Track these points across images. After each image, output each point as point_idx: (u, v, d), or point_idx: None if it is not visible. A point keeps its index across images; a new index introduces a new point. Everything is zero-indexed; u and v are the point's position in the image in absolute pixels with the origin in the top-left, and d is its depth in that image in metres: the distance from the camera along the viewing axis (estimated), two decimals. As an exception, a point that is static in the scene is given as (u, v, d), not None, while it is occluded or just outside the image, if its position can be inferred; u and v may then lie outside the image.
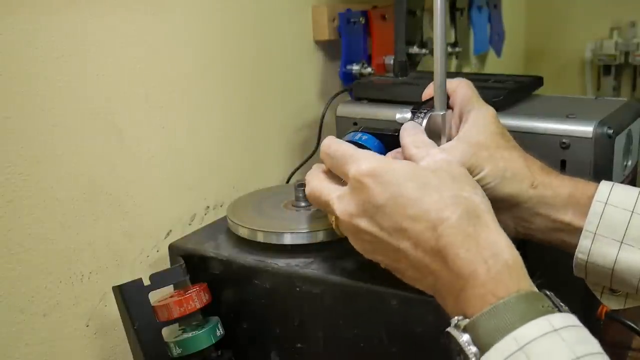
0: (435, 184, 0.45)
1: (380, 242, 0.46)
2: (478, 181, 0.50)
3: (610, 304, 0.54)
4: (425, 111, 0.55)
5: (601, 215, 0.50)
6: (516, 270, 0.41)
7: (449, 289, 0.43)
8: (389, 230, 0.45)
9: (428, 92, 0.58)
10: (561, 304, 0.41)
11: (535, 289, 0.41)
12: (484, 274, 0.41)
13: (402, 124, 0.54)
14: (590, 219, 0.50)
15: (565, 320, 0.38)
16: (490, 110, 0.56)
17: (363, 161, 0.47)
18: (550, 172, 0.54)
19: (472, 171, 0.51)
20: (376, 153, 0.51)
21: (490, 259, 0.41)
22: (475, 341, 0.39)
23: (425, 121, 0.54)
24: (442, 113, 0.54)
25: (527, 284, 0.41)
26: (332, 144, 0.51)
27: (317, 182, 0.52)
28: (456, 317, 0.41)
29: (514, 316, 0.38)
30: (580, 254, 0.51)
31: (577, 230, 0.51)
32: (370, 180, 0.46)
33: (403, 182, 0.45)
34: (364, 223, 0.46)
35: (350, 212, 0.47)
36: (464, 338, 0.40)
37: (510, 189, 0.52)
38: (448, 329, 0.41)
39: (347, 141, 0.55)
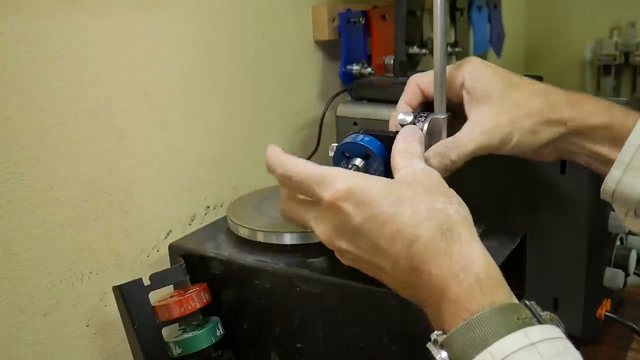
0: (410, 197, 0.44)
1: (361, 260, 0.47)
2: (513, 147, 0.51)
3: (633, 226, 0.55)
4: (426, 114, 0.55)
5: (637, 149, 0.50)
6: (489, 282, 0.40)
7: (429, 304, 0.43)
8: (368, 250, 0.45)
9: (392, 122, 0.57)
10: (540, 314, 0.39)
11: (514, 300, 0.40)
12: (456, 289, 0.40)
13: (402, 125, 0.54)
14: (626, 149, 0.50)
15: (544, 333, 0.37)
16: (484, 68, 0.54)
17: (338, 182, 0.45)
18: (579, 103, 0.53)
19: (502, 145, 0.51)
20: (343, 169, 0.49)
21: (462, 273, 0.41)
22: (452, 358, 0.39)
23: (426, 125, 0.54)
24: (442, 117, 0.54)
25: (503, 296, 0.40)
26: (289, 165, 0.48)
27: (287, 206, 0.51)
28: (435, 333, 0.41)
29: (488, 330, 0.38)
30: (609, 182, 0.52)
31: (611, 162, 0.52)
32: (346, 204, 0.45)
33: (378, 199, 0.44)
34: (344, 244, 0.47)
35: (329, 235, 0.47)
36: (442, 355, 0.39)
37: (544, 136, 0.52)
38: (427, 345, 0.41)
39: (349, 142, 0.53)
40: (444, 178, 0.51)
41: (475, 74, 0.53)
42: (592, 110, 0.52)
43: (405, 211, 0.43)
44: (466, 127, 0.53)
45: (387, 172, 0.53)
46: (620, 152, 0.50)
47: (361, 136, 0.54)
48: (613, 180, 0.51)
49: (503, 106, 0.52)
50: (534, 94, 0.53)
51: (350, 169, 0.53)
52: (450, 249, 0.42)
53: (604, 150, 0.52)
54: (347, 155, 0.54)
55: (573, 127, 0.52)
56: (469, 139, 0.52)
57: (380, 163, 0.53)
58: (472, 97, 0.53)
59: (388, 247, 0.44)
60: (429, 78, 0.56)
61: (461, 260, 0.41)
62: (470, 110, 0.53)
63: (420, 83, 0.57)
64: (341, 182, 0.45)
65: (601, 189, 0.53)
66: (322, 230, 0.48)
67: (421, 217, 0.43)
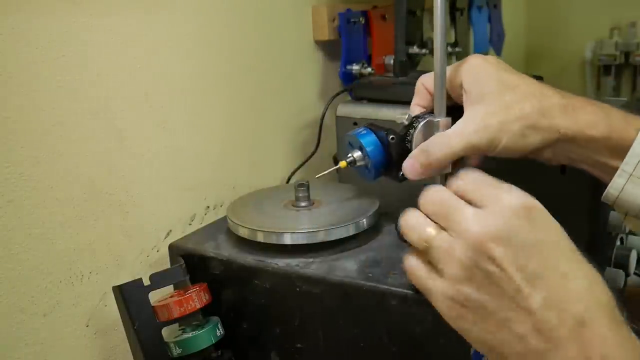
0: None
1: (500, 286, 0.41)
2: (502, 150, 0.50)
3: (632, 226, 0.55)
4: (426, 116, 0.54)
5: None
6: None
7: None
8: (525, 275, 0.40)
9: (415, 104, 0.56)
10: None
11: None
12: None
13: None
14: (628, 159, 0.49)
15: None
16: (483, 67, 0.53)
17: (516, 192, 0.43)
18: (575, 110, 0.50)
19: (490, 147, 0.50)
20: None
21: None
22: None
23: (419, 126, 0.53)
24: (436, 119, 0.53)
25: None
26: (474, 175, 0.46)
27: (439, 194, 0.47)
28: None
29: None
30: (612, 189, 0.51)
31: (611, 169, 0.51)
32: (526, 214, 0.42)
33: (557, 239, 0.42)
34: (499, 251, 0.41)
35: (490, 232, 0.41)
36: None
37: (534, 141, 0.50)
38: None
39: (350, 134, 0.56)
40: (428, 178, 0.52)
41: (473, 74, 0.53)
42: (589, 121, 0.50)
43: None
44: (456, 125, 0.52)
45: (378, 167, 0.55)
46: (623, 162, 0.50)
47: (361, 129, 0.56)
48: (616, 188, 0.50)
49: (495, 108, 0.50)
50: (527, 97, 0.51)
51: (349, 159, 0.57)
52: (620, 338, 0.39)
53: (604, 158, 0.51)
54: (351, 145, 0.57)
55: (568, 135, 0.50)
56: (457, 139, 0.51)
57: (369, 158, 0.55)
58: (468, 97, 0.52)
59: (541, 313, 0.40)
60: (420, 94, 0.56)
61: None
62: (466, 110, 0.52)
63: (425, 83, 0.56)
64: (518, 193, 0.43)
65: (603, 195, 0.52)
66: (483, 224, 0.42)
67: (590, 294, 0.40)
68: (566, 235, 0.43)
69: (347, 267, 0.56)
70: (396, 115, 0.56)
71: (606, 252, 0.73)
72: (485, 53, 1.48)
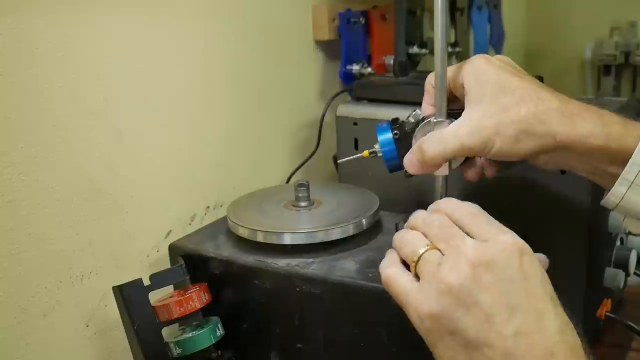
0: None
1: (479, 307, 0.42)
2: (496, 153, 0.50)
3: (631, 227, 0.54)
4: (427, 118, 0.54)
5: None
6: None
7: None
8: (505, 303, 0.42)
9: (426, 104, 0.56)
10: None
11: None
12: None
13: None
14: (629, 168, 0.49)
15: None
16: (485, 68, 0.52)
17: (513, 234, 0.45)
18: (573, 117, 0.49)
19: (484, 150, 0.50)
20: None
21: None
22: None
23: (420, 126, 0.53)
24: (435, 120, 0.53)
25: None
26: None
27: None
28: None
29: None
30: (613, 197, 0.51)
31: (610, 175, 0.50)
32: (518, 255, 0.43)
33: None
34: (487, 277, 0.42)
35: (483, 259, 0.43)
36: None
37: (528, 146, 0.50)
38: None
39: (377, 126, 0.56)
40: (416, 174, 0.53)
41: (474, 75, 0.52)
42: (587, 129, 0.49)
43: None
44: (452, 125, 0.52)
45: (390, 163, 0.55)
46: (623, 170, 0.49)
47: (384, 124, 0.56)
48: (617, 196, 0.50)
49: (491, 110, 0.50)
50: (525, 100, 0.50)
51: (371, 150, 0.57)
52: None
53: (602, 165, 0.50)
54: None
55: (564, 143, 0.49)
56: (451, 138, 0.51)
57: (380, 152, 0.56)
58: (468, 99, 0.52)
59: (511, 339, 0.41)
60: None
61: None
62: (465, 110, 0.52)
63: (431, 82, 0.56)
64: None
65: (603, 200, 0.52)
66: (476, 251, 0.44)
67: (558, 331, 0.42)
68: (549, 281, 0.44)
69: (347, 267, 0.56)
70: (406, 113, 0.56)
71: (606, 252, 0.73)
72: (486, 53, 1.48)
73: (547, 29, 1.93)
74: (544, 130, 0.49)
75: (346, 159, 0.62)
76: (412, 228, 0.50)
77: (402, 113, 0.75)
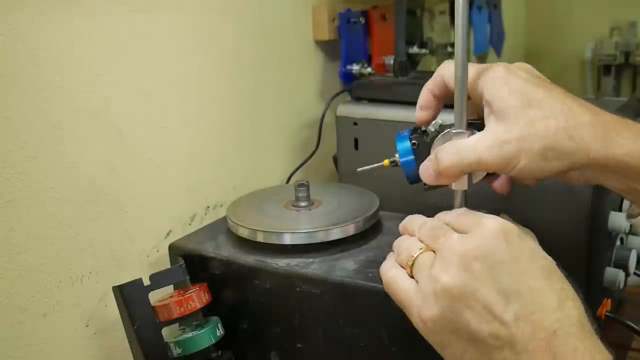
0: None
1: (476, 298, 0.42)
2: (520, 171, 0.46)
3: None
4: (447, 129, 0.51)
5: None
6: None
7: None
8: (499, 289, 0.42)
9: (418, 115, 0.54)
10: None
11: None
12: None
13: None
14: None
15: None
16: (507, 79, 0.48)
17: (496, 218, 0.45)
18: (609, 134, 0.45)
19: (506, 167, 0.46)
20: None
21: None
22: None
23: (438, 137, 0.51)
24: (454, 131, 0.50)
25: None
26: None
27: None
28: None
29: None
30: None
31: None
32: (504, 236, 0.43)
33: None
34: (476, 266, 0.42)
35: (469, 250, 0.43)
36: None
37: (558, 165, 0.45)
38: None
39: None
40: (432, 186, 0.51)
41: (496, 85, 0.48)
42: (624, 147, 0.44)
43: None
44: (472, 137, 0.48)
45: (410, 171, 0.53)
46: None
47: (405, 132, 0.54)
48: None
49: (516, 124, 0.46)
50: (554, 114, 0.45)
51: (391, 159, 0.54)
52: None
53: (636, 185, 0.46)
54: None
55: (598, 161, 0.45)
56: (468, 150, 0.48)
57: (399, 162, 0.53)
58: (490, 110, 0.48)
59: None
60: (434, 81, 0.53)
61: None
62: (487, 123, 0.48)
63: (445, 75, 0.52)
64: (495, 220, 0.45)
65: (628, 211, 0.51)
66: (464, 243, 0.44)
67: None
68: (543, 254, 0.44)
69: (347, 267, 0.56)
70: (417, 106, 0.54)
71: (606, 252, 0.73)
72: (486, 53, 1.48)
73: (547, 29, 1.93)
74: (575, 147, 0.45)
75: (366, 167, 0.58)
76: (409, 234, 0.50)
77: (402, 113, 0.75)
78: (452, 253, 0.43)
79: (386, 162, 0.55)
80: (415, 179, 0.53)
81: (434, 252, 0.46)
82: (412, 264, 0.46)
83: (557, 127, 0.45)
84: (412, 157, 0.53)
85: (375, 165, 0.57)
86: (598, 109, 0.47)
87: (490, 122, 0.48)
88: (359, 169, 0.59)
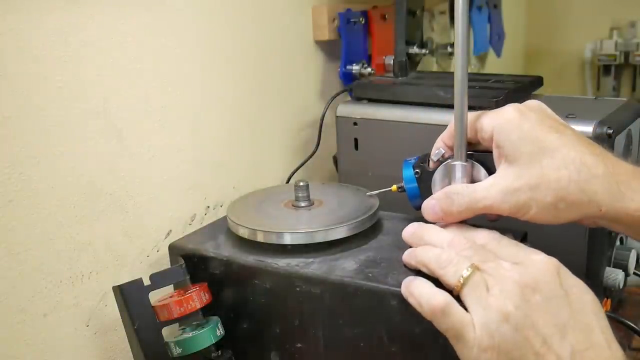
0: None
1: (535, 329, 0.42)
2: (532, 219, 0.47)
3: None
4: (448, 160, 0.53)
5: None
6: None
7: None
8: (556, 323, 0.42)
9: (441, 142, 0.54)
10: None
11: None
12: None
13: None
14: None
15: None
16: (519, 124, 0.47)
17: (542, 253, 0.45)
18: (620, 188, 0.45)
19: (517, 213, 0.47)
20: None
21: None
22: None
23: (439, 168, 0.52)
24: (454, 163, 0.51)
25: None
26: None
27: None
28: None
29: None
30: None
31: None
32: (555, 271, 0.44)
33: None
34: (536, 299, 0.42)
35: (528, 281, 0.43)
36: None
37: (569, 215, 0.47)
38: None
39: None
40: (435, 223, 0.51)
41: (507, 130, 0.48)
42: (636, 202, 0.45)
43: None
44: (486, 181, 0.49)
45: (414, 199, 0.56)
46: None
47: (412, 159, 0.56)
48: None
49: (528, 172, 0.46)
50: (567, 165, 0.45)
51: (399, 185, 0.57)
52: None
53: None
54: None
55: (610, 215, 0.45)
56: (482, 195, 0.48)
57: (405, 189, 0.56)
58: (500, 154, 0.48)
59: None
60: (449, 132, 0.53)
61: None
62: (497, 166, 0.49)
63: (442, 138, 0.54)
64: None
65: None
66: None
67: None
68: (587, 289, 0.44)
69: (347, 267, 0.56)
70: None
71: (606, 252, 0.73)
72: (486, 53, 1.48)
73: (547, 29, 1.94)
74: (586, 200, 0.45)
75: (375, 192, 0.63)
76: (424, 243, 0.49)
77: (401, 113, 0.75)
78: (511, 282, 0.43)
79: (394, 187, 0.59)
80: (419, 207, 0.55)
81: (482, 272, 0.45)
82: (464, 284, 0.44)
83: (570, 179, 0.45)
84: (415, 185, 0.55)
85: (384, 189, 0.61)
86: (611, 158, 0.47)
87: (501, 166, 0.48)
88: (368, 193, 0.63)
